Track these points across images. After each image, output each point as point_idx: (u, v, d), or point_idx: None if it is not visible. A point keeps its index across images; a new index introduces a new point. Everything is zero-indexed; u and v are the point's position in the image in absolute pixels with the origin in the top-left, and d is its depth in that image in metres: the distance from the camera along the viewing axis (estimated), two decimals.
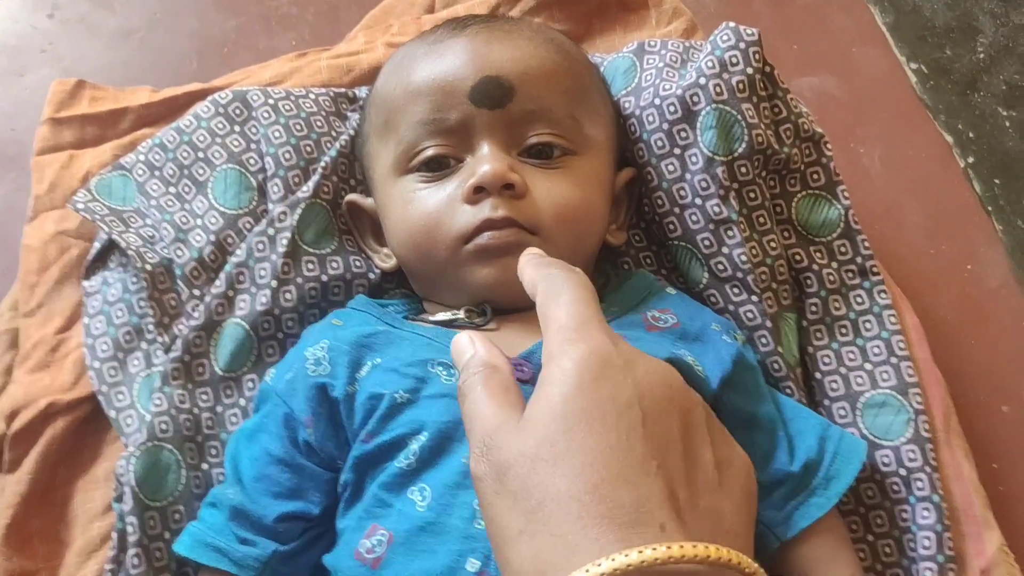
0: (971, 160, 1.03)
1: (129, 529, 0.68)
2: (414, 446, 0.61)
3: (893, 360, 0.75)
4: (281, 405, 0.67)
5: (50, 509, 0.75)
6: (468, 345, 0.48)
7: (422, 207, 0.70)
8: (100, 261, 0.83)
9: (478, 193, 0.67)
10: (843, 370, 0.76)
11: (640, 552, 0.35)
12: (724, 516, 0.42)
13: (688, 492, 0.40)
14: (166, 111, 0.92)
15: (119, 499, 0.70)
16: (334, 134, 0.85)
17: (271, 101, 0.84)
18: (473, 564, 0.56)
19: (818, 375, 0.77)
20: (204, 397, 0.75)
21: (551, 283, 0.47)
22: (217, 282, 0.77)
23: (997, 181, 1.02)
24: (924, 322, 0.82)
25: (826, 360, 0.77)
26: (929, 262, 0.96)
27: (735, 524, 0.42)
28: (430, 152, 0.70)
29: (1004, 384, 0.90)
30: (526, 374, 0.63)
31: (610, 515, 0.37)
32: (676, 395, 0.43)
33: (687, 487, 0.40)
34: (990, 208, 1.01)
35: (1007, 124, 1.06)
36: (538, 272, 0.49)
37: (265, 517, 0.64)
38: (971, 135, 1.05)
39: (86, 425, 0.78)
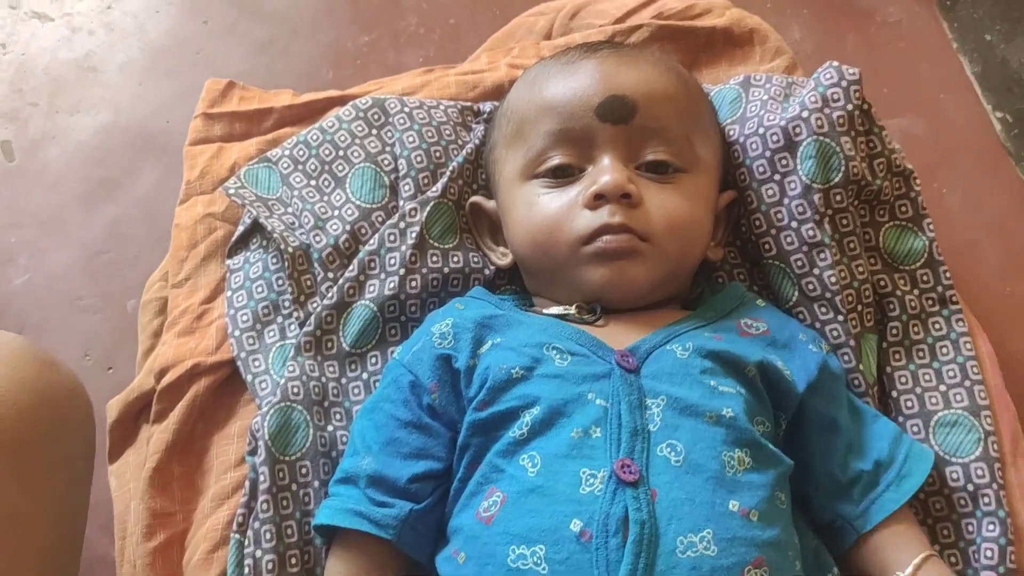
0: None
1: (260, 479, 0.75)
2: (527, 418, 0.68)
3: (967, 383, 0.80)
4: (407, 374, 0.74)
5: (189, 458, 0.84)
6: None
7: (545, 209, 0.77)
8: (243, 243, 0.91)
9: (598, 200, 0.75)
10: (918, 390, 0.81)
11: None
12: None
13: None
14: (306, 113, 1.01)
15: (253, 452, 0.78)
16: (461, 142, 0.93)
17: (407, 109, 0.93)
18: (576, 524, 0.63)
19: (894, 393, 0.81)
20: (331, 369, 0.83)
21: None
22: (350, 267, 0.85)
23: None
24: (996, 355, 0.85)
25: (903, 380, 0.82)
26: (1003, 302, 1.00)
27: None
28: (556, 160, 0.78)
29: None
30: (631, 364, 0.70)
31: None
32: None
33: None
34: None
35: None
36: None
37: (400, 479, 0.71)
38: None
39: (224, 387, 0.86)
